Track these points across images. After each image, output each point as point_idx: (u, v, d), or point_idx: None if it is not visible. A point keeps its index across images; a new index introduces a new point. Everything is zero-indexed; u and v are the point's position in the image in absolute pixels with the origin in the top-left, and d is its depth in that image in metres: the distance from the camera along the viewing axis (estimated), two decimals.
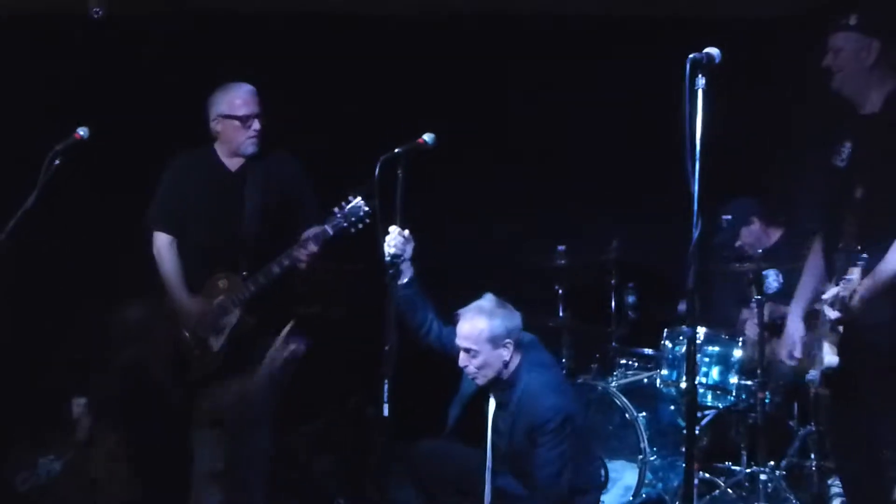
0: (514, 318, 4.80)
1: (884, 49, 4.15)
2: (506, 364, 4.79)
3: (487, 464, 4.89)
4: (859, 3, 4.22)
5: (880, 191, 4.13)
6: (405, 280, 4.75)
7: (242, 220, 5.15)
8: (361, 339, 6.36)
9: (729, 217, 6.23)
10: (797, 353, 4.42)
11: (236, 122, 5.14)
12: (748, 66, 6.46)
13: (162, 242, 5.19)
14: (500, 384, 4.83)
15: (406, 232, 4.63)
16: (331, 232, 4.99)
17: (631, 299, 6.51)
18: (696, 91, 3.60)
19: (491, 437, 4.92)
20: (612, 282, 6.47)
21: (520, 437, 4.74)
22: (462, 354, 4.80)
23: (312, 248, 5.00)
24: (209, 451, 5.78)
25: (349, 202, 4.96)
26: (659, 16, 7.08)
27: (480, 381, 4.84)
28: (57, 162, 4.56)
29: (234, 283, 5.10)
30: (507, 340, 4.76)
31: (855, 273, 4.04)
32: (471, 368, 4.80)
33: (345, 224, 4.96)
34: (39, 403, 6.49)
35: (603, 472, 5.66)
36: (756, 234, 6.26)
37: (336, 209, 4.99)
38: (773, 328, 5.68)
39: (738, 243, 6.28)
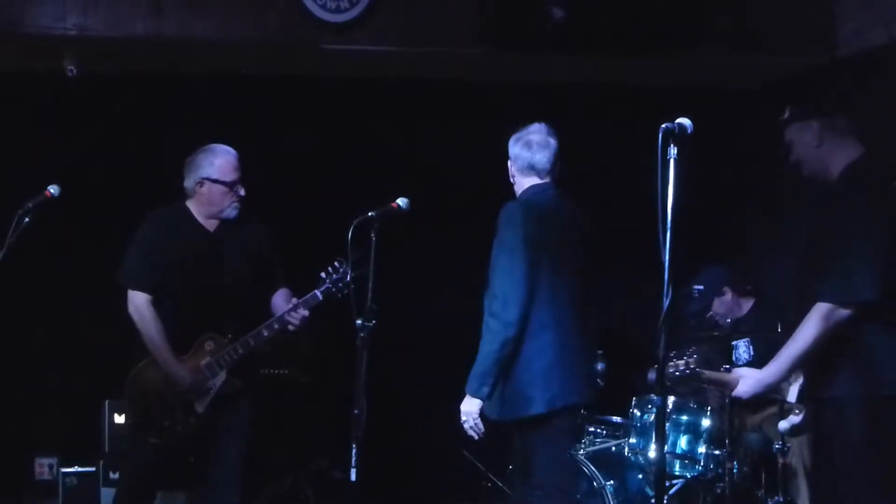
0: (535, 154, 4.83)
1: (825, 125, 4.24)
2: (513, 178, 4.91)
3: None
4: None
5: (808, 267, 4.24)
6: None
7: (223, 281, 5.12)
8: (330, 402, 6.35)
9: (701, 287, 6.23)
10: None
11: (223, 188, 5.13)
12: (722, 135, 6.53)
13: (141, 301, 5.06)
14: None
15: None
16: (320, 297, 5.02)
17: (600, 366, 6.50)
18: (668, 160, 3.63)
19: None
20: None
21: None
22: None
23: (304, 312, 5.02)
24: None
25: (336, 268, 4.97)
26: (630, 85, 7.15)
27: None
28: (27, 219, 4.54)
29: (220, 344, 5.06)
30: (511, 163, 4.89)
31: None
32: None
33: (333, 290, 4.99)
34: (1, 463, 6.43)
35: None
36: (728, 305, 6.26)
37: (323, 274, 5.00)
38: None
39: (709, 314, 6.28)
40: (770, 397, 5.58)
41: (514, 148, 4.87)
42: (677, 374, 4.39)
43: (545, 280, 4.67)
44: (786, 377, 4.31)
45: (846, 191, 4.15)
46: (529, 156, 4.82)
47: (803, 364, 4.22)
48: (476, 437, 4.68)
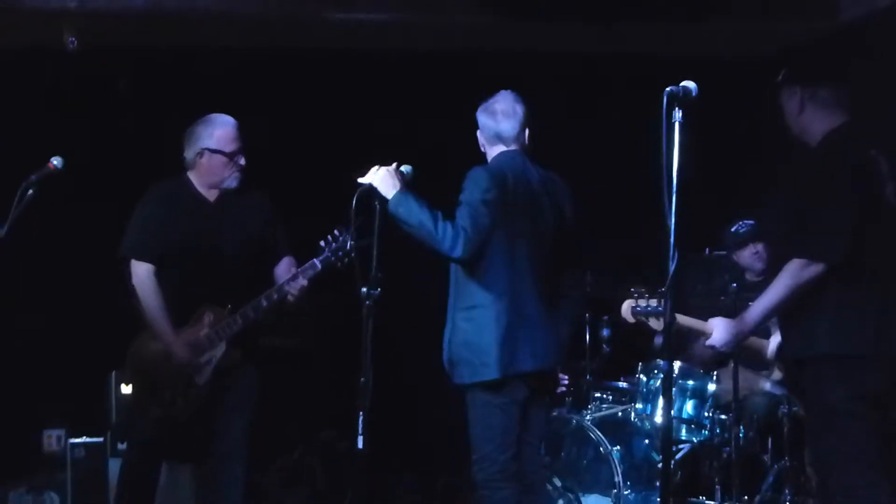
0: (500, 122, 4.83)
1: (808, 92, 4.35)
2: (483, 148, 4.94)
3: None
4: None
5: (785, 228, 4.40)
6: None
7: (224, 251, 5.12)
8: (335, 372, 6.36)
9: (751, 222, 6.25)
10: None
11: (224, 158, 5.12)
12: (727, 104, 6.51)
13: (144, 272, 5.06)
14: None
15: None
16: (319, 266, 5.00)
17: (605, 332, 6.52)
18: (673, 124, 3.63)
19: None
20: (587, 315, 6.47)
21: None
22: None
23: (303, 282, 5.00)
24: (181, 487, 5.76)
25: (337, 237, 4.97)
26: (633, 54, 7.13)
27: None
28: (30, 192, 4.54)
29: (219, 316, 5.06)
30: (479, 132, 4.91)
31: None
32: None
33: (332, 259, 4.97)
34: (10, 435, 6.46)
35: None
36: (761, 257, 6.24)
37: (323, 243, 5.00)
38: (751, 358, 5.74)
39: (738, 255, 6.27)
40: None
41: (481, 118, 4.89)
42: (649, 309, 4.47)
43: (504, 246, 4.66)
44: (757, 327, 4.42)
45: (823, 157, 4.30)
46: (494, 125, 4.84)
47: (775, 317, 4.39)
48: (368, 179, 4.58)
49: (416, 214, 4.54)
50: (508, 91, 4.88)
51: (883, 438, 4.18)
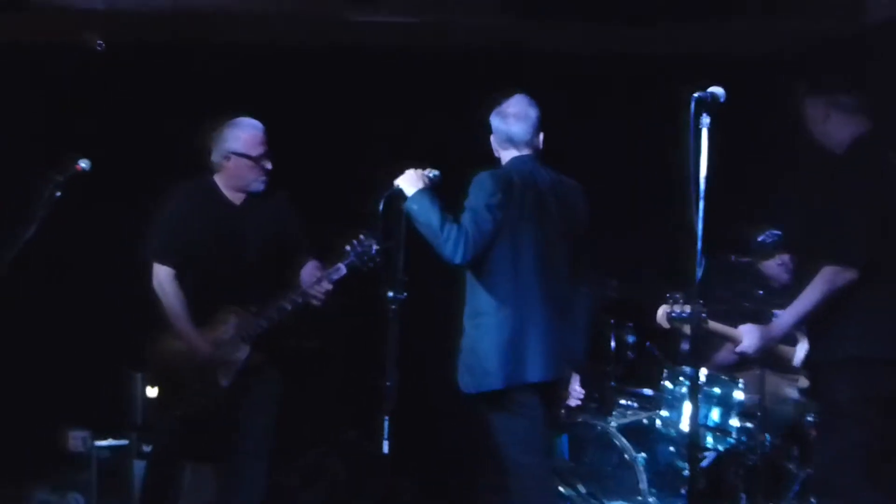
0: (511, 126, 4.77)
1: (832, 100, 4.42)
2: (497, 153, 4.87)
3: None
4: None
5: (809, 234, 4.55)
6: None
7: (247, 254, 5.13)
8: (359, 374, 6.36)
9: (778, 233, 6.20)
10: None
11: (250, 162, 5.13)
12: (751, 104, 6.47)
13: (164, 276, 5.10)
14: None
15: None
16: (344, 270, 5.02)
17: (630, 339, 6.49)
18: (701, 129, 3.62)
19: None
20: (612, 321, 6.45)
21: None
22: None
23: (327, 285, 5.02)
24: (204, 489, 5.78)
25: (362, 241, 4.97)
26: (657, 54, 7.10)
27: None
28: (58, 193, 4.55)
29: (243, 318, 5.07)
30: (492, 136, 4.85)
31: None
32: None
33: (357, 263, 4.98)
34: (35, 436, 6.48)
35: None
36: (787, 268, 6.20)
37: (348, 247, 5.01)
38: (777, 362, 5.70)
39: (765, 265, 6.22)
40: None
41: (494, 121, 4.83)
42: (685, 315, 4.46)
43: (509, 251, 4.60)
44: (788, 332, 4.50)
45: (851, 164, 4.38)
46: (506, 128, 4.77)
47: (807, 322, 4.42)
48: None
49: (426, 213, 4.51)
50: (523, 95, 4.82)
51: (887, 443, 4.23)
